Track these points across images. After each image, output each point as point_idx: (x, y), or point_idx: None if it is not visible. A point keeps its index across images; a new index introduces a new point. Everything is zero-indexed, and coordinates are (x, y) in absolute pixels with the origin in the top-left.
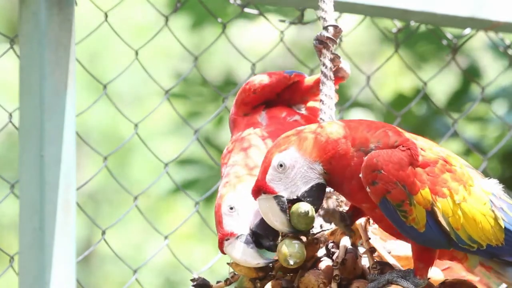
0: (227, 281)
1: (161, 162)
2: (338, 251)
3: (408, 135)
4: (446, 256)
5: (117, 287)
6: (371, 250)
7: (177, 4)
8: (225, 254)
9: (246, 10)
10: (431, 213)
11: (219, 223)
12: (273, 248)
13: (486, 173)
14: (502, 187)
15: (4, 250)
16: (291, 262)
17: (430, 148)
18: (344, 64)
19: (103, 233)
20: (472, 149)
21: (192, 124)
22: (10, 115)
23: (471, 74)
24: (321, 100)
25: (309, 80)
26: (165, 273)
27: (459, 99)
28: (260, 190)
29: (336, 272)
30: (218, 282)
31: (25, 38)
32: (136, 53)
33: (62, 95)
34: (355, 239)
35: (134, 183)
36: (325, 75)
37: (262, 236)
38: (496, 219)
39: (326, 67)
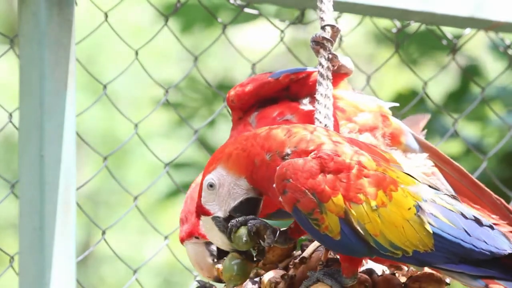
0: None
1: (161, 163)
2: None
3: (332, 138)
4: (388, 261)
5: None
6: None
7: (177, 4)
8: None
9: (246, 10)
10: (345, 220)
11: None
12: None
13: (486, 173)
14: (446, 193)
15: (4, 250)
16: (231, 286)
17: (348, 153)
18: (345, 61)
19: (103, 233)
20: (472, 149)
21: (185, 129)
22: (10, 115)
23: (471, 74)
24: (316, 100)
25: (316, 75)
26: (163, 274)
27: (458, 99)
28: (198, 212)
29: (292, 272)
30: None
31: (25, 38)
32: (136, 53)
33: (62, 95)
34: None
35: (130, 185)
36: (321, 75)
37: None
38: (422, 224)
39: (322, 67)
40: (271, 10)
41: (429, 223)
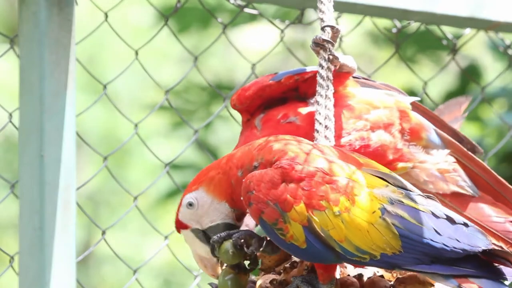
0: None
1: (160, 163)
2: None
3: (301, 146)
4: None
5: None
6: None
7: (177, 4)
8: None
9: (246, 10)
10: (309, 228)
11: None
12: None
13: None
14: (420, 194)
15: (4, 250)
16: None
17: (311, 160)
18: (347, 60)
19: (103, 233)
20: None
21: (183, 130)
22: (10, 115)
23: (471, 74)
24: (316, 101)
25: None
26: (163, 274)
27: None
28: (177, 226)
29: (282, 277)
30: None
31: (25, 38)
32: (136, 53)
33: (62, 95)
34: None
35: (130, 185)
36: (321, 76)
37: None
38: (387, 226)
39: (322, 68)
40: (270, 10)
41: (394, 224)
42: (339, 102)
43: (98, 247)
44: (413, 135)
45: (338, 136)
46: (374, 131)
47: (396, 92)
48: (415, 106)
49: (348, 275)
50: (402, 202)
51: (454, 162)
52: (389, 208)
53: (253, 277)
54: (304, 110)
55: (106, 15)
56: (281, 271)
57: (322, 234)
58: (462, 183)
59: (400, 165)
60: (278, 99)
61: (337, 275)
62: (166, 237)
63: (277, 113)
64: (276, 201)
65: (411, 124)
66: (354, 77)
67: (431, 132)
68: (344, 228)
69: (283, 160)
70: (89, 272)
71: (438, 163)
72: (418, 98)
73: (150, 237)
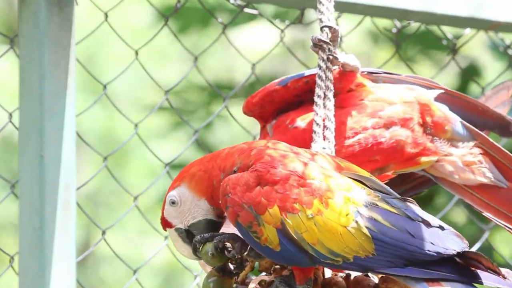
0: None
1: (160, 163)
2: None
3: (279, 151)
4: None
5: None
6: None
7: (177, 4)
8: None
9: (246, 10)
10: (282, 231)
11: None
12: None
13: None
14: (396, 196)
15: (4, 250)
16: None
17: (287, 164)
18: (348, 59)
19: (103, 233)
20: None
21: (182, 130)
22: (10, 115)
23: (471, 74)
24: (314, 102)
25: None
26: (163, 274)
27: None
28: (162, 224)
29: (272, 277)
30: None
31: (25, 38)
32: (136, 53)
33: (62, 95)
34: None
35: (130, 185)
36: (319, 77)
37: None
38: (360, 229)
39: (320, 69)
40: (270, 10)
41: (367, 227)
42: (351, 101)
43: (98, 247)
44: (437, 128)
45: (344, 137)
46: (388, 127)
47: (418, 86)
48: (451, 95)
49: (336, 274)
50: (377, 205)
51: (480, 153)
52: (363, 211)
53: (252, 277)
54: (309, 113)
55: (106, 15)
56: (271, 271)
57: (295, 237)
58: (489, 174)
59: (423, 159)
60: (295, 103)
61: (328, 274)
62: (166, 237)
63: (286, 119)
64: (250, 204)
65: (433, 118)
66: (374, 73)
67: (456, 124)
68: (317, 231)
69: (259, 164)
70: (88, 272)
71: (464, 156)
72: (442, 91)
73: (150, 237)
